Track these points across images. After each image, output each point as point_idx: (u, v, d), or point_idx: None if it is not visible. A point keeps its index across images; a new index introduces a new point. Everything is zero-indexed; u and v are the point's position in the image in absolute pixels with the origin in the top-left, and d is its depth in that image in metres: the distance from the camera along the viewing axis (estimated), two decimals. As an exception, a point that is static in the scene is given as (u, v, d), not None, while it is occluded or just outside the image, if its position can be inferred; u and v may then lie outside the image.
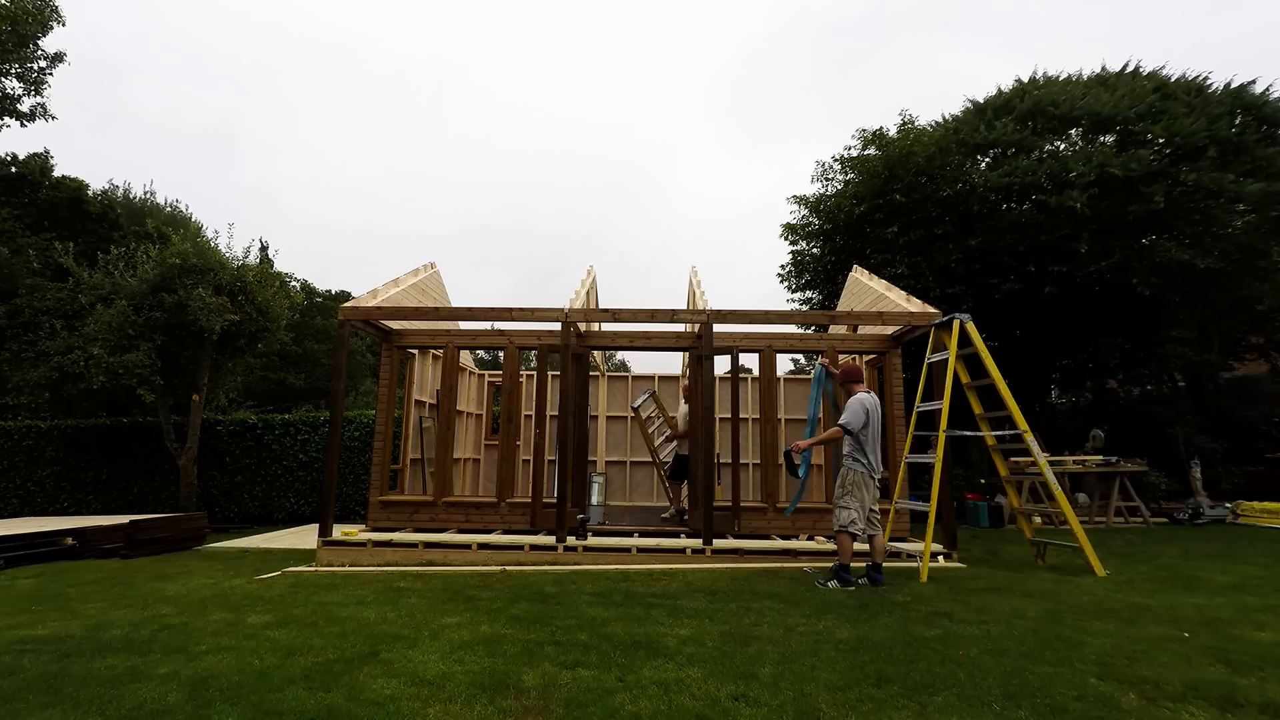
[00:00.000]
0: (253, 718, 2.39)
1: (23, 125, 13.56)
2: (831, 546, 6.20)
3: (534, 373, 9.54)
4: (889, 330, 7.18)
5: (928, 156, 11.46)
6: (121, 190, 19.91)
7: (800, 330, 11.07)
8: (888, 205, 11.84)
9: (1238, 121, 10.79)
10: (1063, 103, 11.43)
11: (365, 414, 11.38)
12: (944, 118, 13.29)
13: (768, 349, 7.34)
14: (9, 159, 13.85)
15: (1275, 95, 10.98)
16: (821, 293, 13.95)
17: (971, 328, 5.70)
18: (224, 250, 10.62)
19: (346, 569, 5.88)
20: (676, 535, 6.61)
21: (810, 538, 6.56)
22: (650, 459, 9.58)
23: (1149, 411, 12.24)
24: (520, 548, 6.23)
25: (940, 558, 5.87)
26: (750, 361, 8.89)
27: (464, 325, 7.79)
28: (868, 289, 7.95)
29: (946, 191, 11.72)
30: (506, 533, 6.68)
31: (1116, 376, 13.44)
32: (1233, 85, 11.28)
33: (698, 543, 6.17)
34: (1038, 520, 8.59)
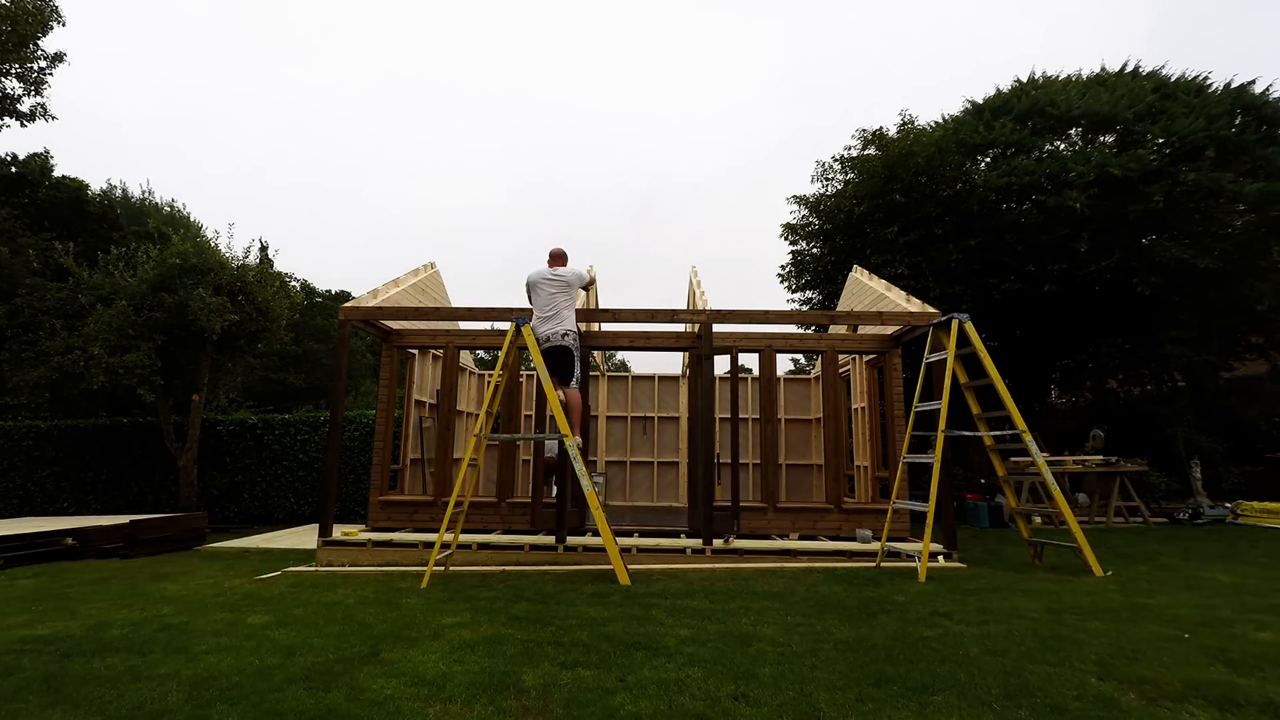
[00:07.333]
0: (253, 718, 2.39)
1: (23, 125, 13.58)
2: (833, 546, 6.22)
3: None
4: (889, 330, 7.18)
5: (927, 156, 11.47)
6: (119, 189, 19.90)
7: (800, 330, 11.07)
8: (887, 205, 11.84)
9: (1237, 121, 10.79)
10: (1061, 103, 11.44)
11: (365, 414, 11.39)
12: (943, 118, 13.30)
13: (767, 349, 7.34)
14: (9, 159, 13.85)
15: (1275, 95, 10.99)
16: (821, 293, 13.95)
17: (970, 327, 5.71)
18: (224, 250, 10.63)
19: (346, 569, 5.89)
20: (676, 535, 6.61)
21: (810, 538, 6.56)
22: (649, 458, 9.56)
23: (1149, 411, 12.24)
24: (520, 548, 6.24)
25: (940, 558, 5.88)
26: (750, 361, 8.88)
27: (464, 325, 7.79)
28: (868, 289, 7.95)
29: (946, 191, 11.73)
30: (507, 533, 6.68)
31: (1116, 376, 13.45)
32: (1232, 85, 11.29)
33: (698, 543, 6.17)
34: (1037, 520, 8.59)
